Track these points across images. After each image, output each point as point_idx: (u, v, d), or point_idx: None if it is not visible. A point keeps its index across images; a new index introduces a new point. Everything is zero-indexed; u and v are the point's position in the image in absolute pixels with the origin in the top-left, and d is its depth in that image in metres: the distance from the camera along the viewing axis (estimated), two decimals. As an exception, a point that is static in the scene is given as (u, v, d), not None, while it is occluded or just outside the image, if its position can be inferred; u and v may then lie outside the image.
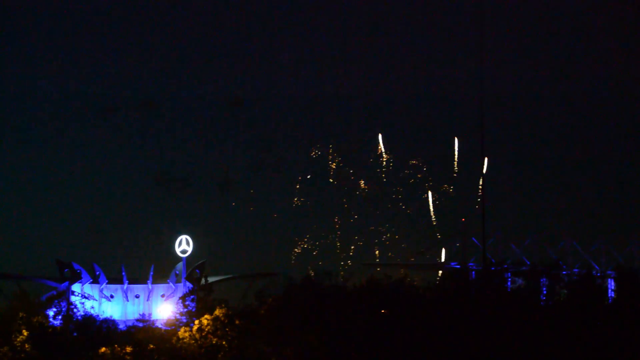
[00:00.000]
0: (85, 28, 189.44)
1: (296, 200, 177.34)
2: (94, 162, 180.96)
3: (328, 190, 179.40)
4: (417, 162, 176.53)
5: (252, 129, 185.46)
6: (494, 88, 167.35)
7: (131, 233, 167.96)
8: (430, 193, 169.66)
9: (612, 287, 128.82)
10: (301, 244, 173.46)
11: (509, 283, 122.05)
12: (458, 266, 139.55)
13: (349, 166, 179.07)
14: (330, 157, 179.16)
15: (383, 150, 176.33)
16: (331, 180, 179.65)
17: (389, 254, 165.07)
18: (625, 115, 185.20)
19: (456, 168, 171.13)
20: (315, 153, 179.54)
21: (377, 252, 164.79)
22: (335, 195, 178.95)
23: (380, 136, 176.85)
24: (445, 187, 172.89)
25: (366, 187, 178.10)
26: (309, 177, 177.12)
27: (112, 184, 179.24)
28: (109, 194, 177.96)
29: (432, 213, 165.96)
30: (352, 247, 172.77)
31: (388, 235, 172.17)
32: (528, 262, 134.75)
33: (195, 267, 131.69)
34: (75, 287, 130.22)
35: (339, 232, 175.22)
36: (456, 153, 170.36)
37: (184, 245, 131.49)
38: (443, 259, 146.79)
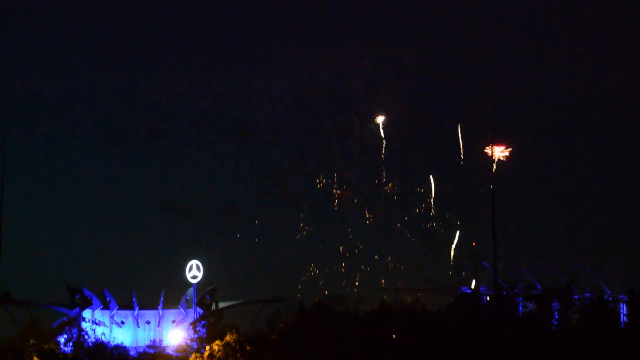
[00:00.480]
0: (92, 54, 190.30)
1: (301, 230, 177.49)
2: (102, 188, 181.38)
3: (333, 219, 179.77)
4: (422, 191, 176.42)
5: (257, 157, 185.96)
6: (505, 108, 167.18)
7: (141, 259, 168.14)
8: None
9: (625, 312, 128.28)
10: (308, 273, 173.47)
11: (520, 307, 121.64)
12: (469, 290, 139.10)
13: (353, 195, 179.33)
14: (335, 186, 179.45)
15: (385, 178, 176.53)
16: (336, 208, 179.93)
17: (398, 284, 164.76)
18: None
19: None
20: (320, 182, 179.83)
21: (382, 281, 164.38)
22: (340, 224, 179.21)
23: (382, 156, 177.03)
24: (451, 218, 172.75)
25: (370, 216, 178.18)
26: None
27: (119, 210, 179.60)
28: (117, 220, 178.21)
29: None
30: (358, 276, 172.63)
31: (391, 266, 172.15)
32: (539, 287, 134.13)
33: (206, 292, 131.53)
34: (86, 314, 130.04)
35: (343, 262, 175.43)
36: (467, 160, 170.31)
37: (194, 270, 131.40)
38: (473, 286, 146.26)
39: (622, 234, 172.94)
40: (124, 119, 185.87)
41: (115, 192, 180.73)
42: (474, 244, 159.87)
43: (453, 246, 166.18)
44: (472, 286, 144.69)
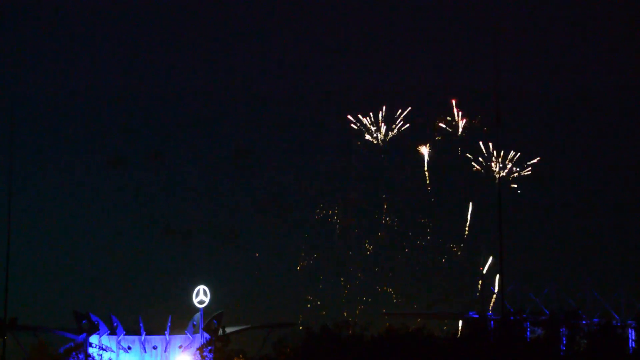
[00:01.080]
0: (94, 78, 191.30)
1: (301, 261, 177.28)
2: (105, 212, 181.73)
3: (334, 249, 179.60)
4: (425, 221, 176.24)
5: (258, 179, 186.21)
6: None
7: (147, 283, 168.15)
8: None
9: (633, 337, 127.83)
10: (310, 300, 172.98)
11: (528, 333, 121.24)
12: (476, 315, 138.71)
13: (354, 225, 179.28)
14: (336, 216, 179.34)
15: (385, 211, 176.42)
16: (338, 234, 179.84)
17: (401, 311, 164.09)
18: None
19: (467, 230, 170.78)
20: (320, 212, 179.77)
21: (384, 311, 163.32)
22: (341, 253, 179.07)
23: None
24: (455, 248, 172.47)
25: (370, 247, 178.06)
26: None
27: (122, 234, 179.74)
28: (122, 244, 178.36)
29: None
30: (359, 307, 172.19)
31: (394, 298, 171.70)
32: (547, 312, 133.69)
33: (213, 317, 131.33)
34: (93, 339, 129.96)
35: (345, 291, 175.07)
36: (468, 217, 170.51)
37: (201, 295, 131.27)
38: (480, 310, 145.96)
39: (631, 260, 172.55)
40: (125, 143, 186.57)
41: (118, 216, 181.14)
42: (481, 268, 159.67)
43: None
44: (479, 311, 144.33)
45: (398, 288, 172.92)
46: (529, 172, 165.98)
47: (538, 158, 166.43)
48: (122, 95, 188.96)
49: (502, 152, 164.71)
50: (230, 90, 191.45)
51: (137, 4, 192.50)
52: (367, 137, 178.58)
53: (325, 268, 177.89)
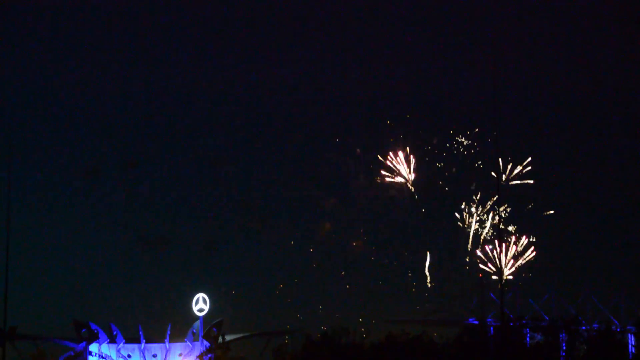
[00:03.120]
0: (66, 89, 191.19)
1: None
2: (104, 220, 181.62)
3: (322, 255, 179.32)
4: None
5: (236, 188, 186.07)
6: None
7: (147, 292, 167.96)
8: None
9: (633, 343, 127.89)
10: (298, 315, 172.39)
11: (527, 339, 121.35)
12: (476, 322, 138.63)
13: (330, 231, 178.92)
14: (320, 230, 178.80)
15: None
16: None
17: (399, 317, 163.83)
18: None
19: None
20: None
21: (373, 321, 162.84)
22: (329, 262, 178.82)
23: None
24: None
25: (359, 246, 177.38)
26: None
27: (120, 243, 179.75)
28: (120, 252, 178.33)
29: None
30: (361, 314, 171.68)
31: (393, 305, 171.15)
32: (547, 318, 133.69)
33: (213, 325, 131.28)
34: (93, 347, 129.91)
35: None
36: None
37: (200, 303, 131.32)
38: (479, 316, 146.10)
39: (630, 265, 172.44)
40: (99, 153, 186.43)
41: (116, 223, 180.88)
42: (480, 275, 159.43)
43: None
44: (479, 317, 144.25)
45: (397, 295, 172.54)
46: (529, 181, 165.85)
47: (529, 159, 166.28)
48: (97, 104, 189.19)
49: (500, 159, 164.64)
50: (207, 99, 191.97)
51: (107, 14, 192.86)
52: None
53: (320, 274, 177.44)
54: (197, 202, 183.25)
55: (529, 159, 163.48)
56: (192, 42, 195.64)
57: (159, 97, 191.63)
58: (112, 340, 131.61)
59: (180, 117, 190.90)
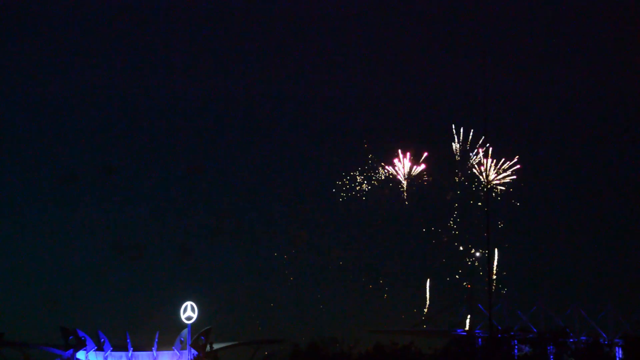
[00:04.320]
0: (44, 95, 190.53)
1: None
2: (91, 229, 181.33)
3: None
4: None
5: (210, 195, 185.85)
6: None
7: (135, 300, 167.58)
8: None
9: (620, 356, 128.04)
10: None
11: (515, 350, 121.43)
12: (464, 333, 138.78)
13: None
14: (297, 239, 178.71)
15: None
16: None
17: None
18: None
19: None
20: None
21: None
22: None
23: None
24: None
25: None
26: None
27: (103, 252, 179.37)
28: (107, 261, 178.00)
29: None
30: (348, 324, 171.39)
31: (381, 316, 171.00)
32: (535, 330, 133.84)
33: (201, 333, 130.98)
34: (80, 355, 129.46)
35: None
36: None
37: (189, 311, 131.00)
38: (467, 327, 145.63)
39: (618, 279, 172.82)
40: (76, 160, 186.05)
41: (103, 232, 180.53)
42: (469, 286, 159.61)
43: None
44: (467, 328, 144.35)
45: (386, 305, 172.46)
46: (514, 177, 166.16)
47: (516, 159, 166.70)
48: (75, 111, 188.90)
49: (492, 161, 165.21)
50: (184, 106, 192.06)
51: (87, 16, 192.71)
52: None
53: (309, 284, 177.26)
54: (174, 209, 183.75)
55: (516, 157, 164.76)
56: (170, 51, 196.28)
57: (137, 105, 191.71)
58: (100, 347, 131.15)
59: (157, 125, 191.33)
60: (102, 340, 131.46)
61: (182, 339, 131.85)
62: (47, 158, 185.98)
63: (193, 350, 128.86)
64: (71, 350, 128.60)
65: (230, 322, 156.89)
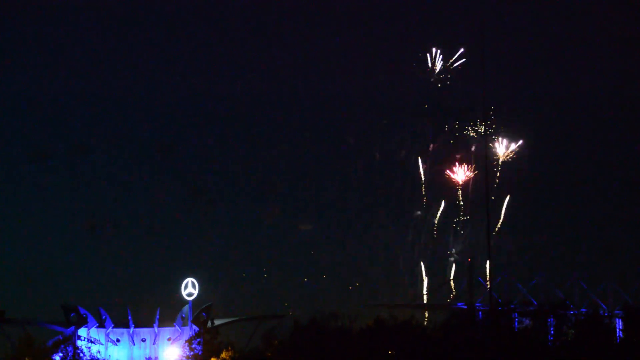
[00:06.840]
0: (15, 70, 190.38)
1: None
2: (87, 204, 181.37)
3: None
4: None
5: (182, 172, 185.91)
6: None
7: (136, 276, 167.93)
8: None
9: (620, 327, 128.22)
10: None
11: (515, 323, 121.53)
12: (465, 306, 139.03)
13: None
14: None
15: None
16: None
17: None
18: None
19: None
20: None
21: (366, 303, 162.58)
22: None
23: None
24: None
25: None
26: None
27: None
28: (107, 235, 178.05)
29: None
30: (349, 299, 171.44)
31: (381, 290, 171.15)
32: (535, 302, 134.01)
33: (202, 309, 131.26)
34: (82, 332, 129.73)
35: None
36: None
37: (189, 288, 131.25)
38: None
39: (618, 251, 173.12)
40: (48, 137, 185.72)
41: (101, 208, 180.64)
42: (469, 259, 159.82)
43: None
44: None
45: (385, 279, 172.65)
46: (514, 155, 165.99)
47: (521, 141, 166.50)
48: (46, 90, 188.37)
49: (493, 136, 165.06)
50: (158, 84, 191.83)
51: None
52: None
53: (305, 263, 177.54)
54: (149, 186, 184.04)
55: (520, 141, 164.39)
56: (143, 29, 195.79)
57: (108, 83, 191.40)
58: (101, 324, 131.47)
59: (130, 102, 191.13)
60: (104, 317, 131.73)
61: (184, 315, 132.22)
62: (18, 135, 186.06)
63: (194, 326, 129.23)
64: (72, 327, 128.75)
65: (232, 297, 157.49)
